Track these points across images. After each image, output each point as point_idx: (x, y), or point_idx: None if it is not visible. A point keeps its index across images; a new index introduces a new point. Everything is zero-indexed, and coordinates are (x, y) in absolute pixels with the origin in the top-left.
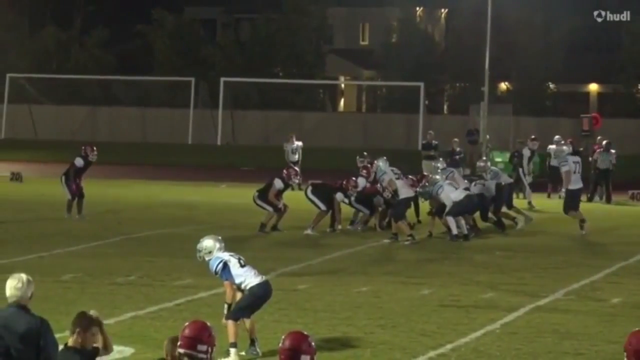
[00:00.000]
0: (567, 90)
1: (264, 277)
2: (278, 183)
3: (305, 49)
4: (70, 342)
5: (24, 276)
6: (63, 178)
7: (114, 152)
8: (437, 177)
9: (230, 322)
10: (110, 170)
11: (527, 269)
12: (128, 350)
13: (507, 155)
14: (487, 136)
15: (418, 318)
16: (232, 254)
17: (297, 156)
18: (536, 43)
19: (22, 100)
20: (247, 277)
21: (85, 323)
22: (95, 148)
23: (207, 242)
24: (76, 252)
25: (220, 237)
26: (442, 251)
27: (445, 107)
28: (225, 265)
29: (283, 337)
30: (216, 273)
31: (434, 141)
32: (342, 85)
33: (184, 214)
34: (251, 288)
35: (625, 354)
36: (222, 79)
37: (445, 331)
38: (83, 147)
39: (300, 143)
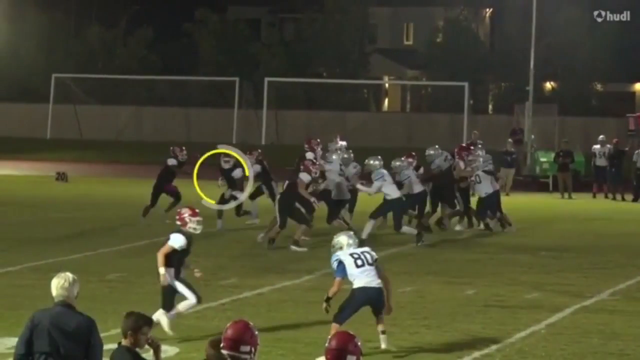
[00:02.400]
0: (613, 90)
1: (375, 283)
2: (305, 176)
3: (350, 48)
4: (124, 342)
5: (69, 275)
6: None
7: (158, 152)
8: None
9: (333, 325)
10: (155, 169)
11: (572, 269)
12: (172, 350)
13: (552, 155)
14: (532, 136)
15: (463, 318)
16: (356, 252)
17: (336, 155)
18: (582, 42)
19: (67, 100)
20: (358, 278)
21: (135, 324)
22: (184, 148)
23: (341, 239)
24: (122, 251)
25: (352, 234)
26: (487, 251)
27: (490, 106)
28: (341, 263)
29: (329, 337)
30: (334, 268)
31: (478, 141)
32: (386, 85)
33: (229, 213)
34: (353, 290)
35: None
36: (267, 79)
37: (490, 331)
38: (171, 148)
39: (344, 143)
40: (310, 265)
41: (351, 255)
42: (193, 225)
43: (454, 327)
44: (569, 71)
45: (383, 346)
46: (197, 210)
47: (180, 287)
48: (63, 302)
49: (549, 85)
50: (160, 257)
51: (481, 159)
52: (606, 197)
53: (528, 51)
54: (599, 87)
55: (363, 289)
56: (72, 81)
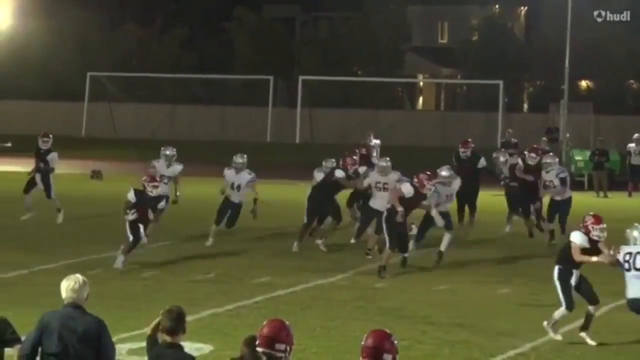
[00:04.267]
0: None
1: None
2: (339, 172)
3: (384, 47)
4: (161, 339)
5: (79, 277)
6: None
7: (193, 151)
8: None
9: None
10: (190, 168)
11: (608, 267)
12: (207, 348)
13: (587, 153)
14: (567, 134)
15: (497, 317)
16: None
17: (375, 154)
18: (618, 40)
19: (102, 98)
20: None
21: (171, 322)
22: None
23: (635, 232)
24: (155, 249)
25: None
26: (523, 250)
27: (525, 105)
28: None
29: (366, 335)
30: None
31: (513, 139)
32: (421, 84)
33: (263, 212)
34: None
35: None
36: (301, 77)
37: (524, 330)
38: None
39: (378, 141)
40: (345, 264)
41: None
42: None
43: (488, 325)
44: (604, 69)
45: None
46: None
47: None
48: (73, 304)
49: (584, 83)
50: None
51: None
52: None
53: (563, 49)
54: (634, 85)
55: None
56: (107, 79)
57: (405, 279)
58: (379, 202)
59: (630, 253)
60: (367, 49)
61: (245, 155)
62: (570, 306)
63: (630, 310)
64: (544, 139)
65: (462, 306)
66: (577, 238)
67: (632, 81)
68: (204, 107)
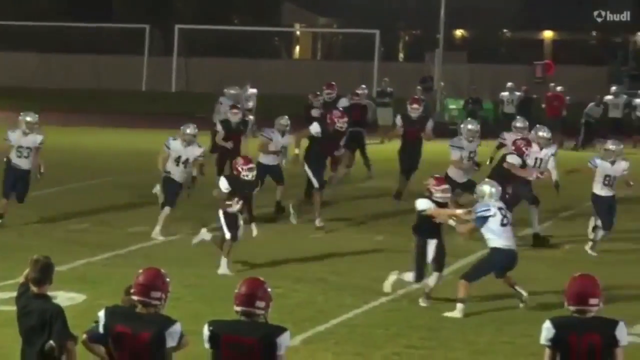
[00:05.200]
0: (522, 37)
1: (512, 245)
2: (314, 127)
3: None
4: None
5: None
6: None
7: (67, 99)
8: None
9: (462, 282)
10: (64, 117)
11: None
12: (80, 297)
13: (461, 102)
14: (442, 83)
15: (371, 265)
16: (502, 207)
17: (251, 103)
18: None
19: None
20: (497, 237)
21: (37, 273)
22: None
23: (485, 187)
24: (34, 197)
25: (496, 184)
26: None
27: (400, 54)
28: (486, 218)
29: (240, 283)
30: (476, 216)
31: (388, 88)
32: (298, 33)
33: (137, 162)
34: (492, 250)
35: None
36: (177, 26)
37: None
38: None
39: (254, 90)
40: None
41: (499, 210)
42: None
43: (363, 273)
44: (479, 19)
45: (525, 293)
46: None
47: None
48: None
49: (459, 32)
50: None
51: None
52: None
53: None
54: (508, 34)
55: (500, 251)
56: None
57: (280, 229)
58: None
59: (501, 208)
60: None
61: (195, 126)
62: (419, 278)
63: (503, 266)
64: (419, 87)
65: (336, 255)
66: (421, 204)
67: (505, 30)
68: (78, 56)
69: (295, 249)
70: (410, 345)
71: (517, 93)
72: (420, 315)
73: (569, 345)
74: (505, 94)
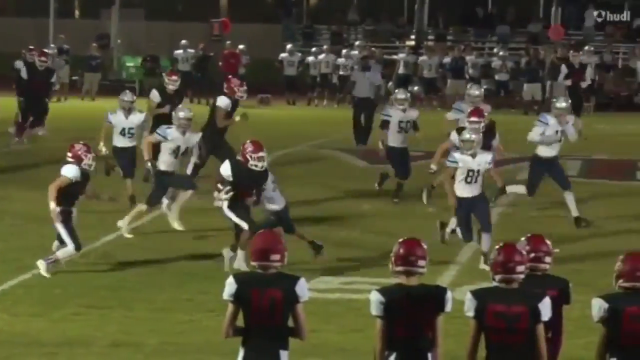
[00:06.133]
0: None
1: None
2: (223, 101)
3: None
4: None
5: None
6: None
7: None
8: None
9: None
10: None
11: None
12: None
13: (139, 60)
14: (118, 41)
15: None
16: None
17: None
18: None
19: None
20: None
21: None
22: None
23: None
24: None
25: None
26: None
27: (76, 11)
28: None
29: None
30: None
31: (65, 45)
32: None
33: None
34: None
35: None
36: None
37: None
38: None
39: None
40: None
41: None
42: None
43: None
44: None
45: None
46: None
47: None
48: None
49: None
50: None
51: None
52: (191, 102)
53: None
54: None
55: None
56: None
57: None
58: None
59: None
60: None
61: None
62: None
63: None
64: (94, 44)
65: None
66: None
67: None
68: None
69: None
70: (90, 305)
71: (191, 51)
72: (100, 277)
73: (251, 299)
74: (179, 51)
